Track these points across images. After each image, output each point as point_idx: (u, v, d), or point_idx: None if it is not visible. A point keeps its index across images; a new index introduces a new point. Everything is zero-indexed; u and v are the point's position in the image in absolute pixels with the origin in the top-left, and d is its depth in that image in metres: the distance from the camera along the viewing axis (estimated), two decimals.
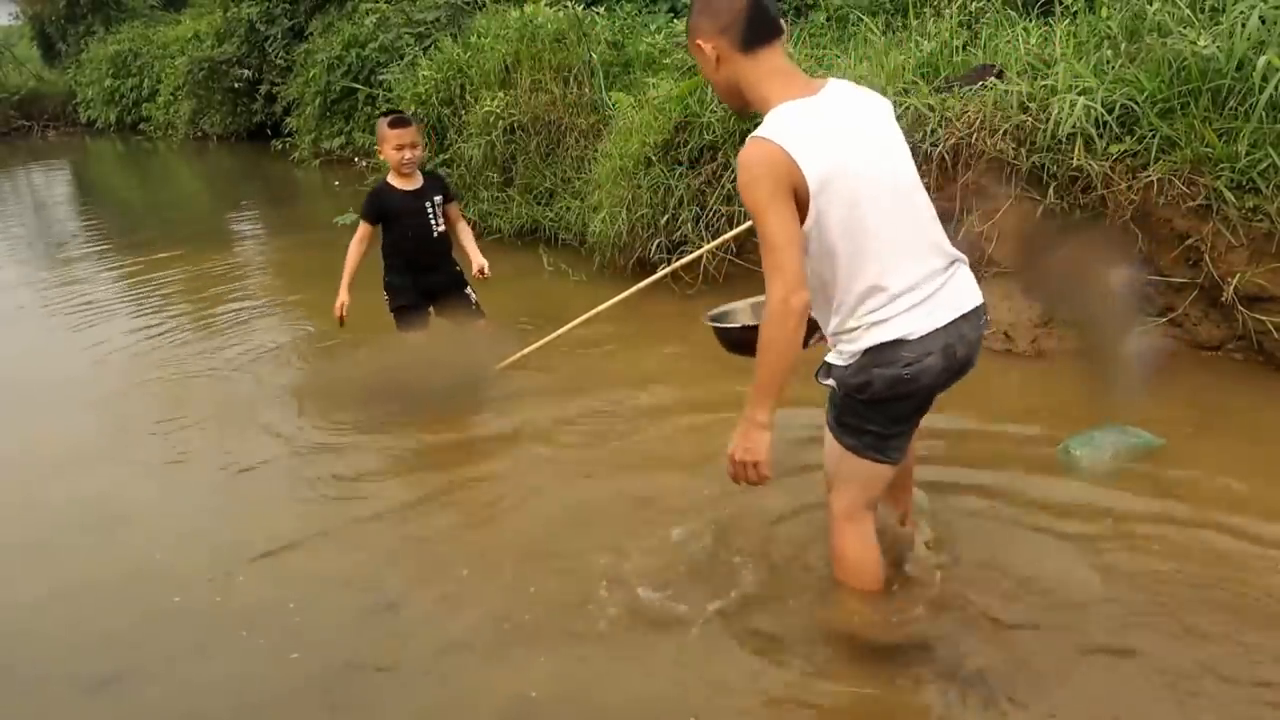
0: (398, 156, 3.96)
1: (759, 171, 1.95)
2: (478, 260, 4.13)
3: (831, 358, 2.13)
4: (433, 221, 4.08)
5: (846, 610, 2.35)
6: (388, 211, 4.04)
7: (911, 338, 2.03)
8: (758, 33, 2.01)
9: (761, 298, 2.52)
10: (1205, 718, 1.98)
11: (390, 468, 3.33)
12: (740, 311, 2.88)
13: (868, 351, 2.04)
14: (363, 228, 4.06)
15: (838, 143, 1.99)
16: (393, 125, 3.99)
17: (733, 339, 2.71)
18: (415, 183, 4.07)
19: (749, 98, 2.10)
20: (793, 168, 1.94)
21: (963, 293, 2.14)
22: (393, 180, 4.07)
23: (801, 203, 1.96)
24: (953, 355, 2.08)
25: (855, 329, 2.05)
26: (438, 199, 4.10)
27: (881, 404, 2.09)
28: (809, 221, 1.98)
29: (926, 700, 2.10)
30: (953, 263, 2.14)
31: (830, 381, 2.14)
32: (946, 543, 2.63)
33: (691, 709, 2.10)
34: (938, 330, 2.05)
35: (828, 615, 2.35)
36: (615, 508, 2.95)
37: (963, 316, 2.10)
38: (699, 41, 2.07)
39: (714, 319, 2.81)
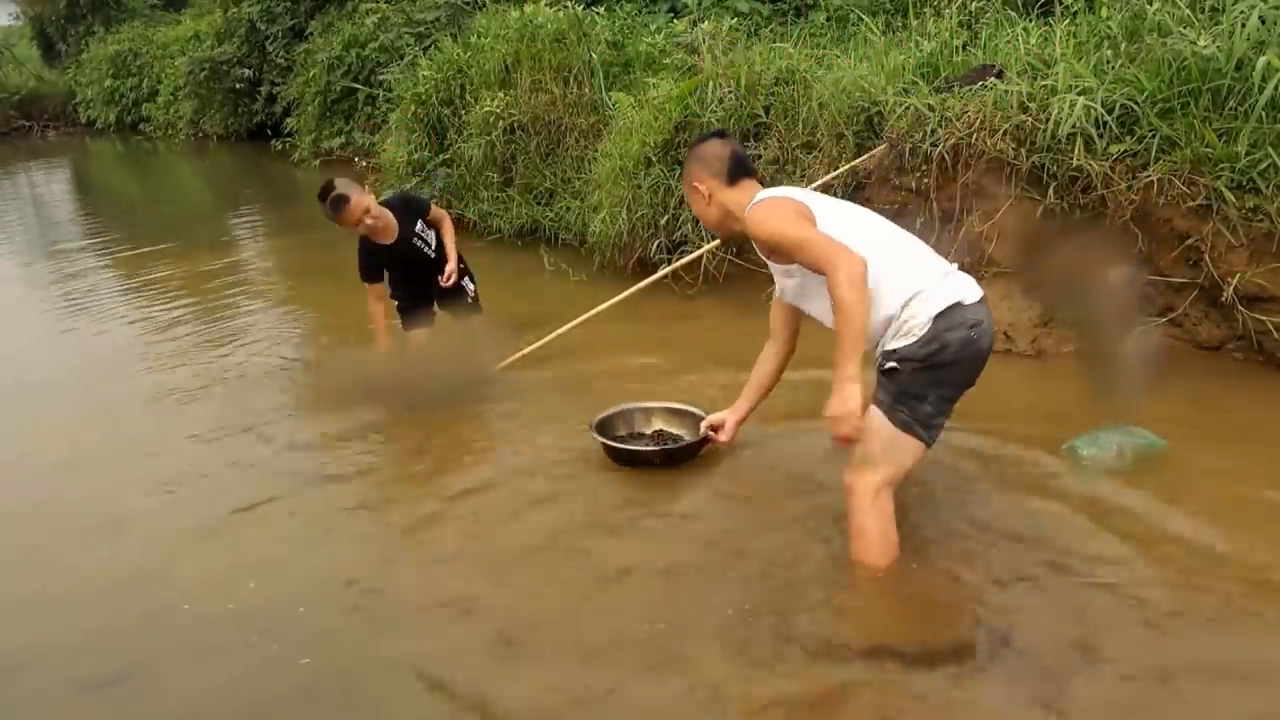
0: (365, 229, 3.81)
1: (776, 209, 2.41)
2: (450, 266, 4.05)
3: (894, 344, 2.34)
4: (423, 248, 4.05)
5: (865, 618, 2.37)
6: (382, 268, 4.01)
7: (967, 302, 2.34)
8: (738, 171, 2.57)
9: (644, 403, 3.34)
10: None
11: (392, 470, 3.32)
12: (619, 416, 3.29)
13: (936, 319, 2.30)
14: (370, 289, 4.00)
15: (826, 199, 2.54)
16: (335, 211, 3.71)
17: (622, 457, 3.12)
18: (393, 231, 3.93)
19: (737, 215, 2.56)
20: (801, 205, 2.42)
21: (974, 283, 2.45)
22: (374, 240, 3.92)
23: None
24: (991, 332, 2.40)
25: (914, 298, 2.33)
26: (418, 226, 4.02)
27: (949, 368, 2.33)
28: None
29: (956, 697, 2.10)
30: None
31: (893, 363, 2.34)
32: (950, 544, 2.64)
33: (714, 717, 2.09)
34: (980, 303, 2.39)
35: (848, 626, 2.35)
36: (620, 508, 2.94)
37: (983, 299, 2.41)
38: (694, 184, 2.60)
39: (599, 427, 3.17)
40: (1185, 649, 2.17)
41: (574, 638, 2.34)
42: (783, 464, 3.15)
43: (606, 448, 3.15)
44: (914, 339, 2.31)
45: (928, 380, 2.32)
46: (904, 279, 2.35)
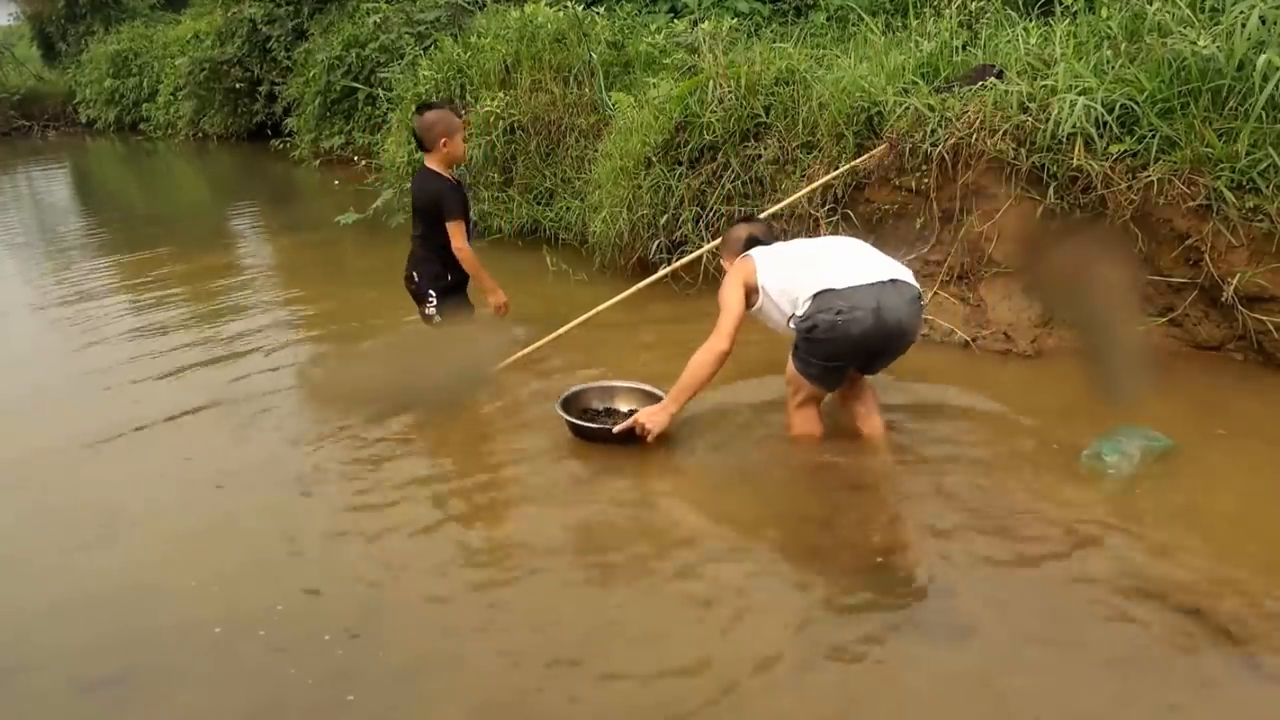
0: (465, 148, 4.01)
1: (730, 279, 3.22)
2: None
3: (795, 318, 3.03)
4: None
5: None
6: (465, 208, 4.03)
7: (838, 286, 2.95)
8: (748, 247, 3.32)
9: (616, 382, 3.66)
10: None
11: (395, 473, 3.26)
12: (590, 393, 3.58)
13: (813, 298, 2.97)
14: (460, 225, 3.94)
15: (775, 250, 3.28)
16: (459, 114, 3.99)
17: (584, 433, 3.35)
18: (454, 177, 4.08)
19: None
20: (748, 270, 3.18)
21: (894, 268, 3.06)
22: (449, 175, 3.99)
23: (751, 282, 3.17)
24: (884, 319, 2.92)
25: (806, 289, 3.00)
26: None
27: (820, 343, 2.98)
28: (770, 280, 3.13)
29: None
30: (895, 270, 3.06)
31: (793, 325, 3.05)
32: (961, 545, 2.65)
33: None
34: (864, 286, 2.95)
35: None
36: (620, 508, 2.95)
37: (891, 282, 2.97)
38: (723, 259, 3.48)
39: (565, 402, 3.42)
40: (1219, 654, 2.18)
41: (595, 648, 2.32)
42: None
43: (569, 425, 3.35)
44: (801, 312, 3.01)
45: (807, 348, 3.04)
46: (811, 282, 3.01)
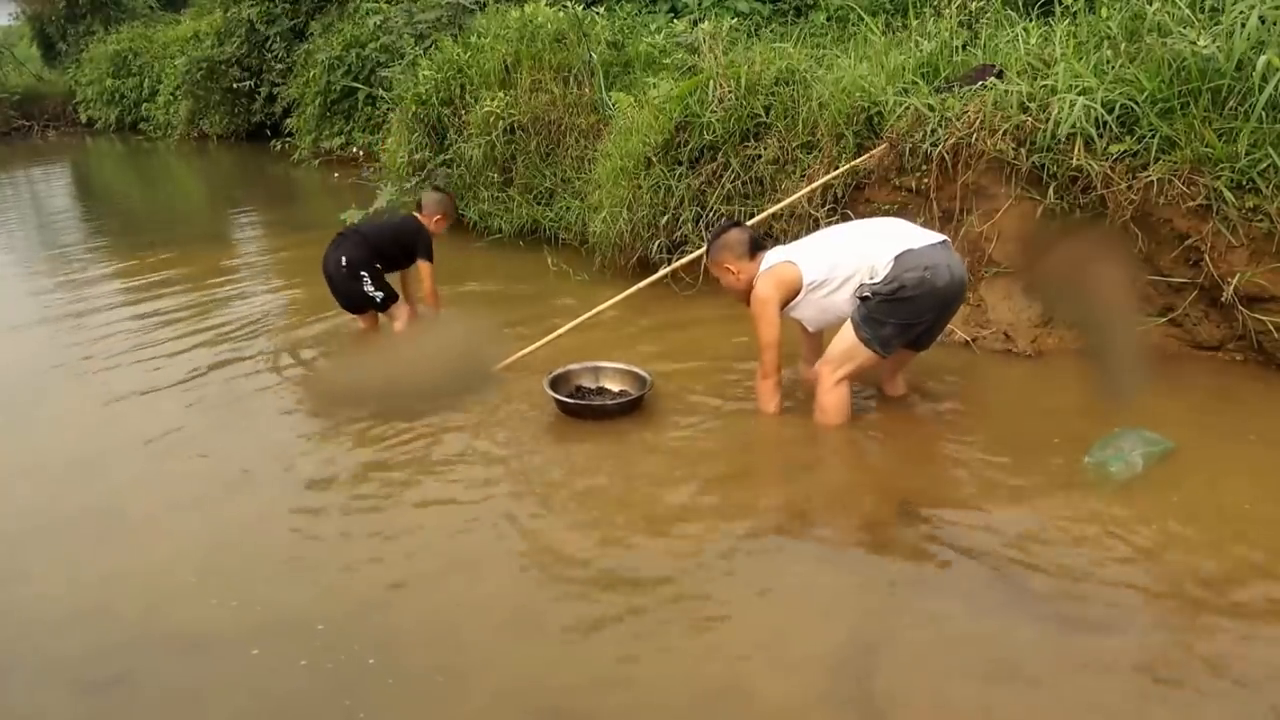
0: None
1: (763, 300, 3.27)
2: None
3: (869, 283, 3.18)
4: None
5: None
6: None
7: (916, 246, 3.17)
8: (755, 248, 3.43)
9: (607, 364, 3.83)
10: None
11: (397, 475, 3.25)
12: (579, 373, 3.78)
13: (894, 261, 3.14)
14: None
15: (809, 241, 3.46)
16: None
17: (568, 410, 3.56)
18: None
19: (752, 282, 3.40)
20: (784, 275, 3.26)
21: (932, 232, 3.28)
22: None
23: (794, 290, 3.28)
24: (954, 273, 3.16)
25: (879, 260, 3.16)
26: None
27: (907, 301, 3.12)
28: (823, 274, 3.26)
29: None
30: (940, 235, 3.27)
31: (866, 294, 3.18)
32: (954, 539, 2.65)
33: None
34: (930, 247, 3.18)
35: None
36: (617, 506, 2.95)
37: (942, 243, 3.23)
38: (726, 265, 3.43)
39: (554, 381, 3.63)
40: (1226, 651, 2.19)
41: (641, 651, 2.32)
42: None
43: (556, 401, 3.55)
44: (880, 279, 3.15)
45: (888, 310, 3.15)
46: (886, 248, 3.18)
